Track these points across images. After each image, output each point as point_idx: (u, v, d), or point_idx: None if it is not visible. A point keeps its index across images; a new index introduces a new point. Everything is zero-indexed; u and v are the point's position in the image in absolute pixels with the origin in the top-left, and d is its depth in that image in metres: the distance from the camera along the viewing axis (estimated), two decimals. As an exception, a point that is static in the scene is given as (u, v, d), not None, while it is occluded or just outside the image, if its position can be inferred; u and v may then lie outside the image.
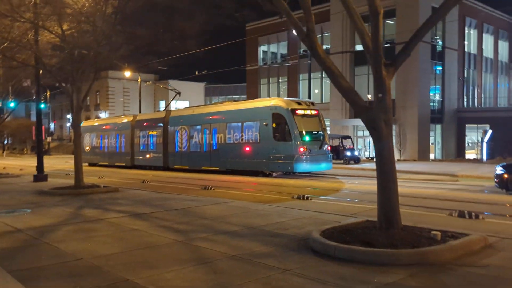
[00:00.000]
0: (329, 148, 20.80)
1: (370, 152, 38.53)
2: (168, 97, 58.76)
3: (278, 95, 45.84)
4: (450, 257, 5.71)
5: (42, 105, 34.61)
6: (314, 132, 19.88)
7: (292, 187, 16.05)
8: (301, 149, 18.92)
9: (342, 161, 27.07)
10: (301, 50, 43.07)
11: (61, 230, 8.11)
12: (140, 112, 41.03)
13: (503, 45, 44.81)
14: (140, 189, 15.20)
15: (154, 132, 27.06)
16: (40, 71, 18.39)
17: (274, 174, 20.65)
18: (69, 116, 66.65)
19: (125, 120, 30.83)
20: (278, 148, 19.51)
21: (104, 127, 33.22)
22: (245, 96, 51.25)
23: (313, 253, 6.21)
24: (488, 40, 42.60)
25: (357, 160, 27.32)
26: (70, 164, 33.45)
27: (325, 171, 21.18)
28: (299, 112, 19.52)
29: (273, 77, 46.30)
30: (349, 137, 30.10)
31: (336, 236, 6.47)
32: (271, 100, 21.23)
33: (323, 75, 41.56)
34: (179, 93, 29.86)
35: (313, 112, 20.22)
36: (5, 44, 17.50)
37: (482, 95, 42.52)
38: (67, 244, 6.97)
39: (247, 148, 20.94)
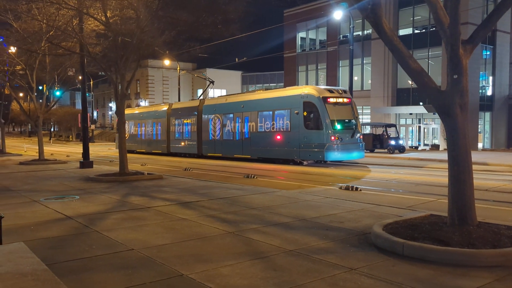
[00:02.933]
0: (361, 136, 20.31)
1: (413, 141, 37.10)
2: (205, 85, 59.06)
3: (317, 83, 44.88)
4: (538, 259, 5.06)
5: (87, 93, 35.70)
6: (346, 121, 19.57)
7: (330, 177, 15.47)
8: (333, 138, 18.69)
9: (386, 150, 26.07)
10: (341, 36, 41.85)
11: (109, 218, 7.98)
12: (179, 100, 41.27)
13: (561, 27, 41.67)
14: (183, 177, 15.07)
15: (189, 121, 27.51)
16: (85, 59, 18.56)
17: (305, 162, 20.47)
18: (111, 104, 68.29)
19: (161, 109, 31.26)
20: (309, 137, 19.34)
21: (141, 115, 33.78)
22: (282, 84, 50.56)
23: (377, 250, 5.70)
24: (544, 22, 39.71)
25: (402, 149, 26.24)
26: (113, 151, 34.21)
27: (367, 161, 20.37)
28: (331, 100, 19.21)
29: (312, 64, 45.30)
30: (394, 126, 28.96)
31: (401, 232, 5.93)
32: (302, 88, 20.92)
33: (364, 61, 40.24)
34: (212, 82, 30.29)
35: (345, 100, 19.83)
36: (51, 32, 17.77)
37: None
38: (117, 233, 6.79)
39: (278, 137, 20.92)
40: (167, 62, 42.00)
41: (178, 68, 42.25)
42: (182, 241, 6.27)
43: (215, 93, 57.40)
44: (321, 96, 19.07)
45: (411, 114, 36.73)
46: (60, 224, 7.57)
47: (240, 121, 23.30)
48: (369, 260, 5.27)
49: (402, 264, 5.09)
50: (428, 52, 34.28)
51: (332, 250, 5.72)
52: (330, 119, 18.76)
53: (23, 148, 39.52)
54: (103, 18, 14.41)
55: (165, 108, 30.87)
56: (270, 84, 61.12)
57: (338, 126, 18.92)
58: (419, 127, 36.86)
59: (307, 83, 45.50)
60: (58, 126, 70.10)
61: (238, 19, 13.90)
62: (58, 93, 28.85)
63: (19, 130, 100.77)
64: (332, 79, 42.92)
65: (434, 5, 5.85)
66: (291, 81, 46.88)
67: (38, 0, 15.07)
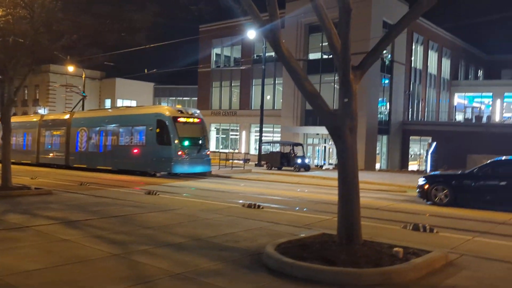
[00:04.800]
0: (208, 152, 22.62)
1: (319, 160, 38.86)
2: (115, 96, 56.46)
3: (230, 99, 45.29)
4: (414, 276, 5.33)
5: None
6: (193, 138, 21.90)
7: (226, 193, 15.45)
8: (179, 153, 20.98)
9: (293, 168, 26.88)
10: (255, 55, 42.84)
11: (-25, 239, 6.95)
12: (83, 109, 38.84)
13: (446, 63, 47.12)
14: (77, 192, 13.92)
15: (58, 132, 28.68)
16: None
17: (158, 174, 22.42)
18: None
19: (33, 120, 32.08)
20: (160, 151, 21.42)
21: (13, 125, 31.81)
22: (196, 98, 50.18)
23: (268, 271, 5.61)
24: (433, 57, 44.60)
25: (307, 167, 27.23)
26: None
27: (269, 178, 20.78)
28: (180, 119, 21.65)
29: (226, 81, 45.65)
30: (301, 145, 30.03)
31: (292, 252, 5.92)
32: (157, 107, 24.41)
33: (276, 81, 41.53)
34: (85, 97, 31.91)
35: (195, 120, 22.43)
36: None
37: (426, 109, 44.39)
38: (-21, 257, 5.90)
39: (135, 150, 23.03)
40: (71, 68, 39.37)
41: (83, 76, 39.85)
42: (58, 266, 5.61)
43: (124, 104, 55.03)
44: (171, 116, 21.39)
45: (317, 134, 38.52)
46: None
47: (104, 134, 25.01)
48: (258, 281, 5.15)
49: (290, 286, 5.03)
50: (335, 77, 36.35)
51: (222, 272, 5.51)
52: (178, 136, 21.07)
53: None
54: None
55: (36, 119, 31.73)
56: (184, 98, 60.23)
57: (185, 143, 21.27)
58: (325, 147, 38.76)
59: (220, 99, 45.73)
60: None
61: (145, 29, 13.39)
62: None
63: None
64: (245, 96, 43.58)
65: (328, 30, 6.06)
66: (205, 97, 46.71)
67: None
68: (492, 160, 14.00)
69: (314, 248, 6.02)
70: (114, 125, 24.55)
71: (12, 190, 12.80)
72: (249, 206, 11.83)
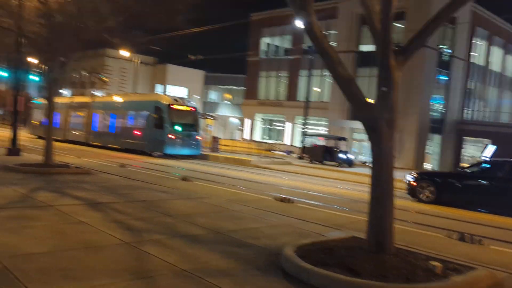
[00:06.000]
0: (198, 137, 25.61)
1: (365, 156, 37.37)
2: (165, 81, 57.43)
3: (277, 90, 44.64)
4: (451, 298, 4.56)
5: (35, 77, 34.85)
6: (185, 124, 24.83)
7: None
8: (171, 136, 24.05)
9: (335, 163, 25.90)
10: (305, 45, 41.77)
11: (-6, 215, 6.91)
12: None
13: (510, 60, 43.64)
14: (113, 174, 13.96)
15: (81, 114, 32.40)
16: (22, 39, 17.07)
17: (154, 154, 25.16)
18: (63, 91, 64.93)
19: (63, 101, 35.17)
20: (156, 134, 24.51)
21: (45, 106, 34.31)
22: (243, 87, 49.94)
23: (283, 275, 5.03)
24: (495, 53, 41.41)
25: (350, 163, 26.15)
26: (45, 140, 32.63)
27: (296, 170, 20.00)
28: (174, 107, 24.86)
29: (274, 71, 44.96)
30: (345, 139, 28.93)
31: (313, 256, 5.30)
32: (156, 95, 28.91)
33: (325, 73, 40.32)
34: (104, 82, 35.77)
35: (188, 108, 25.62)
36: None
37: (485, 109, 41.41)
38: (-10, 234, 5.78)
39: (137, 132, 26.20)
40: (126, 53, 40.34)
41: (136, 61, 40.70)
42: (63, 250, 5.35)
43: (175, 91, 55.92)
44: (167, 104, 24.59)
45: (365, 129, 36.97)
46: None
47: (116, 117, 28.42)
48: (267, 287, 4.59)
49: (303, 296, 4.44)
50: (386, 71, 34.64)
51: (231, 273, 5.00)
52: (171, 121, 24.19)
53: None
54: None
55: (65, 101, 35.05)
56: (232, 87, 60.32)
57: (177, 128, 24.34)
58: (372, 143, 37.17)
59: (267, 90, 45.20)
60: (3, 109, 65.82)
61: (188, 12, 13.02)
62: (5, 74, 28.00)
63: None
64: (292, 87, 42.74)
65: (368, 9, 5.30)
66: (252, 86, 46.36)
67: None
68: (482, 161, 13.72)
69: (339, 254, 5.36)
70: (123, 109, 28.07)
71: (52, 167, 13.03)
72: (281, 200, 11.25)
